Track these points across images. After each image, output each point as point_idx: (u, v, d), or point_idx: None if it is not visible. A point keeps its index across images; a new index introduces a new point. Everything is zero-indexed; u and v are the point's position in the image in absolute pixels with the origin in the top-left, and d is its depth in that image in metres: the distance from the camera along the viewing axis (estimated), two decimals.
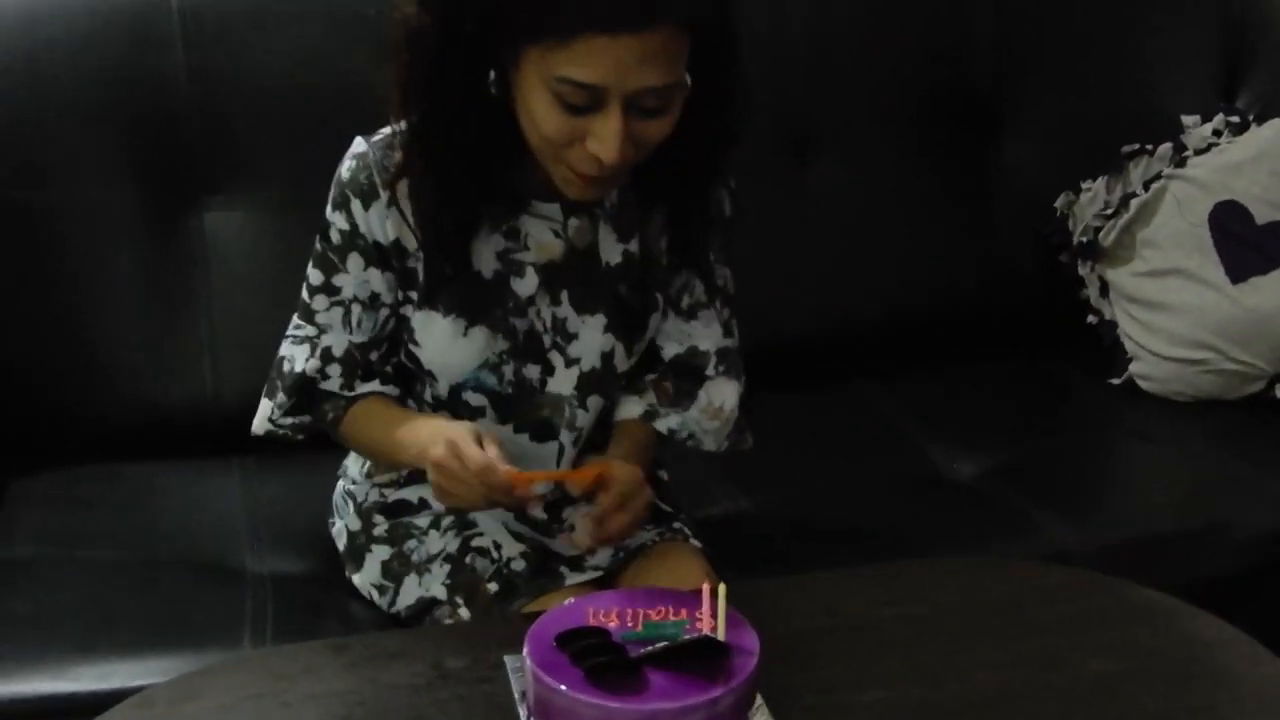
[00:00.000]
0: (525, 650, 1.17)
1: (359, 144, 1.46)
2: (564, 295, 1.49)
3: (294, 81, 1.98)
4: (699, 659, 1.17)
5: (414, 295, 1.47)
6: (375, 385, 1.51)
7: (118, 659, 1.53)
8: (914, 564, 1.52)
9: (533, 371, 1.50)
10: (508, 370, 1.49)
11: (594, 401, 1.54)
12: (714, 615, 1.19)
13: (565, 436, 1.54)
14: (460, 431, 1.37)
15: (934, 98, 2.27)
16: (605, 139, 1.30)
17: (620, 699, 1.12)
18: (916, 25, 2.26)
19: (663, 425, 1.57)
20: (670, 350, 1.57)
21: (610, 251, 1.50)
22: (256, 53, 1.97)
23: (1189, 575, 1.71)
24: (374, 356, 1.51)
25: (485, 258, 1.46)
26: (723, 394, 1.58)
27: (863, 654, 1.32)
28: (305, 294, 1.50)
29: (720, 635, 1.18)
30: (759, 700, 1.19)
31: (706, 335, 1.57)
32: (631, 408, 1.57)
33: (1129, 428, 2.12)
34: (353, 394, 1.50)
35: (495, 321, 1.47)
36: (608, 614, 1.21)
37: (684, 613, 1.21)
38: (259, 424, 1.54)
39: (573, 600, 1.23)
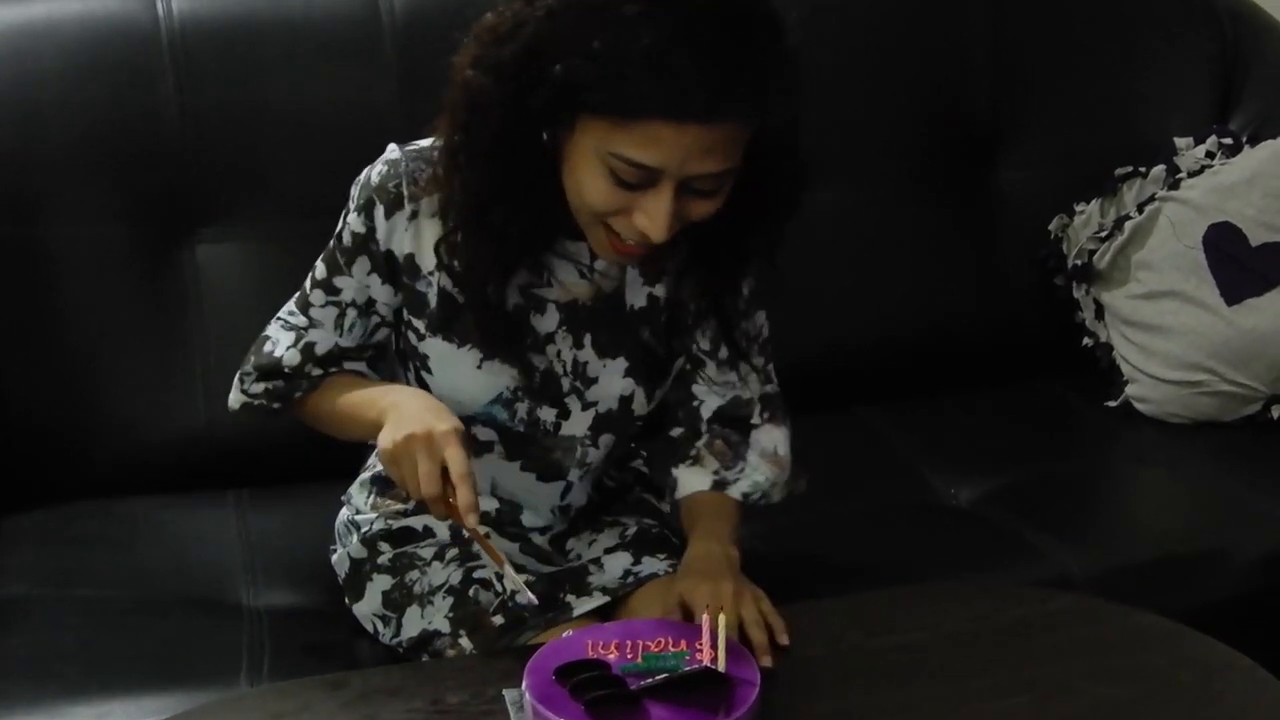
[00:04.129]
0: (524, 684, 1.16)
1: (393, 151, 1.44)
2: (587, 339, 1.47)
3: (285, 114, 1.98)
4: (700, 690, 1.16)
5: (421, 322, 1.46)
6: (357, 366, 1.50)
7: (113, 698, 1.51)
8: (915, 591, 1.51)
9: (548, 414, 1.49)
10: (521, 408, 1.48)
11: (606, 440, 1.53)
12: (714, 645, 1.18)
13: (573, 474, 1.54)
14: (456, 427, 1.32)
15: (931, 125, 2.28)
16: (654, 217, 1.29)
17: None
18: (914, 53, 2.27)
19: (735, 491, 1.53)
20: (713, 404, 1.54)
21: (636, 295, 1.48)
22: (248, 86, 1.98)
23: (1191, 599, 1.70)
24: (349, 364, 1.50)
25: (508, 290, 1.44)
26: (774, 439, 1.56)
27: (864, 683, 1.31)
28: (307, 284, 1.49)
29: (720, 666, 1.17)
30: None
31: (747, 383, 1.55)
32: (696, 479, 1.54)
33: (1127, 451, 2.11)
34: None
35: (513, 356, 1.45)
36: (606, 646, 1.20)
37: (684, 644, 1.20)
38: (233, 397, 1.54)
39: (570, 633, 1.22)
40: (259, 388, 1.51)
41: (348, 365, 1.50)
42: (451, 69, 1.34)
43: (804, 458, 1.62)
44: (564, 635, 1.22)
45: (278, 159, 1.98)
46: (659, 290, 1.48)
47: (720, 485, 1.53)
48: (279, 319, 1.51)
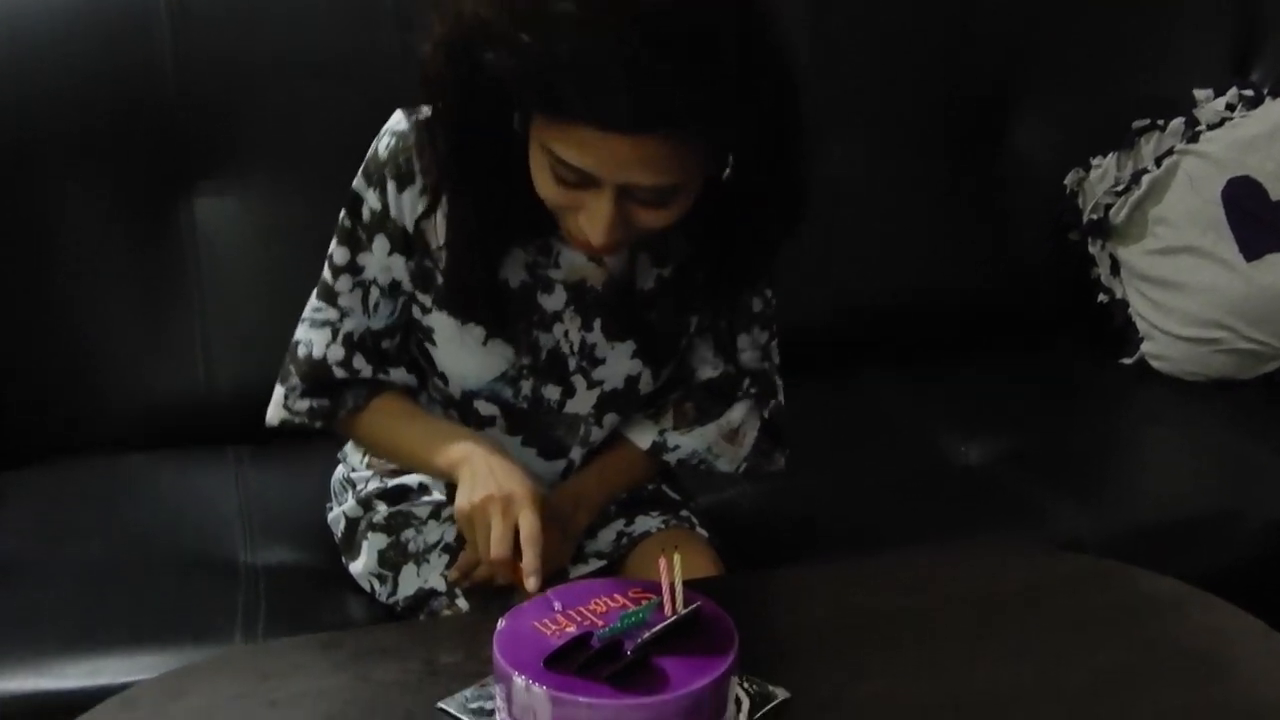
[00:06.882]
0: (525, 681, 1.10)
1: (399, 120, 1.39)
2: (596, 323, 1.44)
3: (283, 66, 1.95)
4: (687, 632, 1.14)
5: (427, 296, 1.42)
6: (402, 374, 1.46)
7: (107, 655, 1.50)
8: (924, 553, 1.48)
9: (553, 392, 1.46)
10: (525, 386, 1.45)
11: (610, 419, 1.51)
12: (669, 589, 1.16)
13: (576, 453, 1.51)
14: (533, 491, 1.31)
15: (942, 80, 2.24)
16: (594, 221, 1.25)
17: (654, 692, 1.08)
18: (927, 6, 2.23)
19: (671, 458, 1.53)
20: (706, 374, 1.52)
21: (645, 278, 1.45)
22: (245, 37, 1.95)
23: (1203, 562, 1.68)
24: (386, 345, 1.46)
25: (513, 268, 1.41)
26: (741, 417, 1.53)
27: (871, 646, 1.28)
28: (328, 274, 1.44)
29: (679, 605, 1.16)
30: None
31: (744, 359, 1.52)
32: (642, 435, 1.52)
33: (1141, 410, 2.10)
34: (378, 379, 1.45)
35: (517, 335, 1.42)
36: (556, 622, 1.16)
37: (635, 593, 1.19)
38: (273, 413, 1.48)
39: (503, 622, 1.17)
40: (304, 405, 1.46)
41: (393, 374, 1.46)
42: (418, 43, 1.31)
43: (806, 424, 1.60)
44: (500, 625, 1.17)
45: (276, 111, 1.95)
46: (667, 271, 1.45)
47: (658, 450, 1.52)
48: (305, 320, 1.46)
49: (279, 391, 1.47)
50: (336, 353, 1.44)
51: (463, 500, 1.32)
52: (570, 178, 1.24)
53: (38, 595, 1.61)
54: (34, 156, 1.91)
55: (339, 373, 1.44)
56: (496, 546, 1.28)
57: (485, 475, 1.32)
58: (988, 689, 1.23)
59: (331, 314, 1.44)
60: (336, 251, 1.43)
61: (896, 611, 1.33)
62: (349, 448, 1.62)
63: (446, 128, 1.31)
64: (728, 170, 1.30)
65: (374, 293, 1.43)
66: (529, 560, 1.26)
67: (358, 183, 1.40)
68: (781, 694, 1.18)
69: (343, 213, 1.42)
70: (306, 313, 1.46)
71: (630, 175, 1.22)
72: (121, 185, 1.93)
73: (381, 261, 1.41)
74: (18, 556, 1.68)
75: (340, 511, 1.60)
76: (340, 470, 1.63)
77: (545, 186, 1.27)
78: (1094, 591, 1.38)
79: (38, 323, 1.92)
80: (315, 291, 1.46)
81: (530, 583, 1.26)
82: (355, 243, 1.42)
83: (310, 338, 1.45)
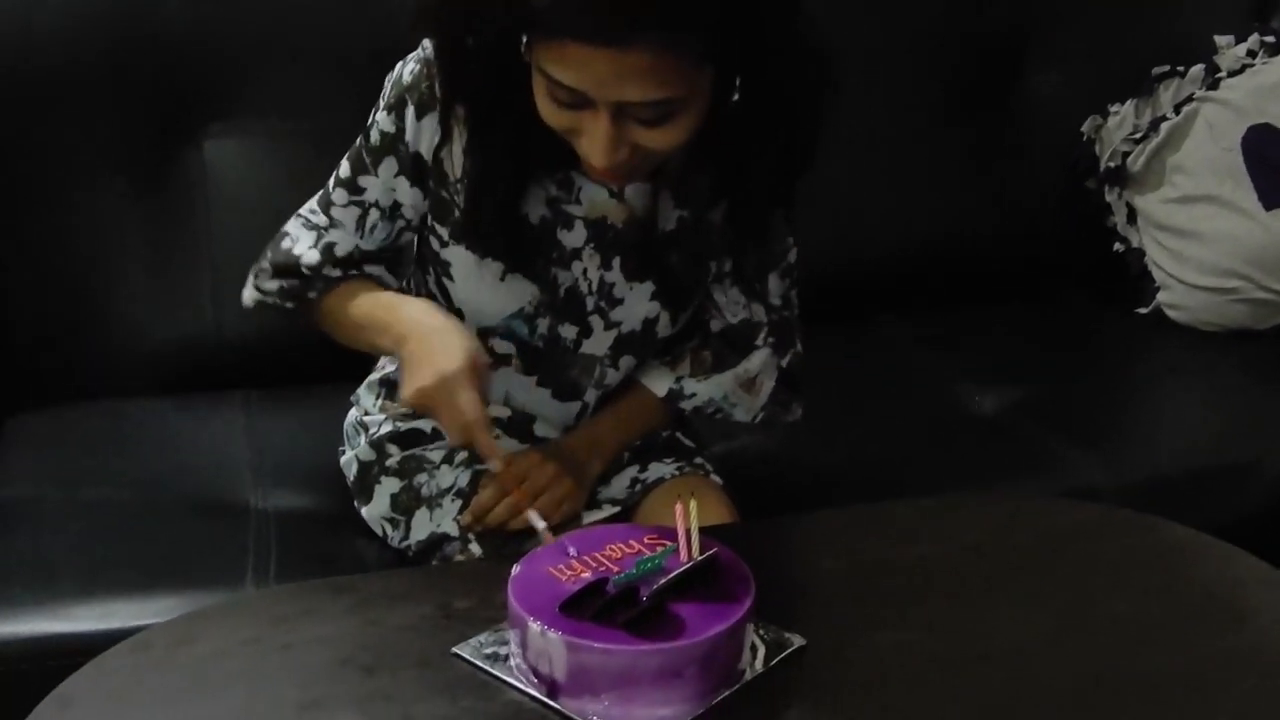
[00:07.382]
0: (540, 625, 1.10)
1: (429, 49, 1.37)
2: (615, 262, 1.43)
3: (292, 6, 1.93)
4: (702, 579, 1.13)
5: (445, 229, 1.41)
6: (376, 270, 1.45)
7: (118, 599, 1.50)
8: (938, 502, 1.47)
9: (569, 331, 1.45)
10: (542, 324, 1.44)
11: (626, 361, 1.50)
12: (685, 535, 1.16)
13: (590, 395, 1.50)
14: (466, 362, 1.29)
15: (959, 25, 2.22)
16: (594, 141, 1.24)
17: (670, 638, 1.08)
18: None
19: (687, 405, 1.53)
20: (725, 321, 1.51)
21: (667, 219, 1.43)
22: None
23: (1219, 511, 1.67)
24: (371, 269, 1.45)
25: (534, 202, 1.39)
26: (759, 366, 1.52)
27: (886, 595, 1.28)
28: (330, 182, 1.44)
29: (695, 551, 1.15)
30: None
31: (761, 307, 1.51)
32: (658, 382, 1.52)
33: (1157, 359, 2.09)
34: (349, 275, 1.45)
35: (536, 271, 1.41)
36: (570, 568, 1.15)
37: (650, 539, 1.19)
38: (247, 294, 1.49)
39: (518, 568, 1.17)
40: (273, 285, 1.46)
41: (368, 269, 1.45)
42: None
43: (821, 373, 1.59)
44: (514, 571, 1.16)
45: (284, 50, 1.93)
46: (689, 213, 1.43)
47: (674, 397, 1.52)
48: (300, 216, 1.46)
49: (251, 272, 1.48)
50: (312, 257, 1.44)
51: (406, 393, 1.32)
52: (565, 98, 1.23)
53: (49, 539, 1.61)
54: (41, 99, 1.89)
55: (307, 273, 1.44)
56: (452, 438, 1.32)
57: (421, 359, 1.31)
58: (1003, 637, 1.22)
59: (321, 220, 1.44)
60: (342, 166, 1.43)
61: (912, 560, 1.32)
62: (362, 390, 1.61)
63: (448, 57, 1.30)
64: (735, 94, 1.28)
65: (372, 214, 1.43)
66: (482, 444, 1.29)
67: (377, 112, 1.40)
68: (797, 641, 1.18)
69: (359, 137, 1.42)
70: (303, 210, 1.47)
71: (620, 91, 1.20)
72: (129, 128, 1.91)
73: (387, 183, 1.41)
74: (30, 501, 1.68)
75: (353, 455, 1.59)
76: (353, 414, 1.62)
77: (546, 110, 1.26)
78: (1110, 540, 1.37)
79: (46, 267, 1.91)
80: (317, 195, 1.46)
81: (494, 464, 1.29)
82: (360, 164, 1.42)
83: (298, 234, 1.45)
